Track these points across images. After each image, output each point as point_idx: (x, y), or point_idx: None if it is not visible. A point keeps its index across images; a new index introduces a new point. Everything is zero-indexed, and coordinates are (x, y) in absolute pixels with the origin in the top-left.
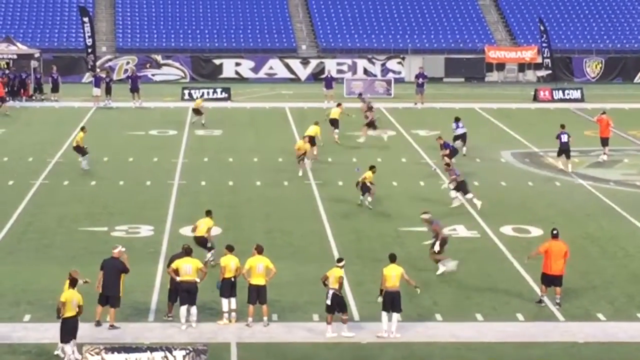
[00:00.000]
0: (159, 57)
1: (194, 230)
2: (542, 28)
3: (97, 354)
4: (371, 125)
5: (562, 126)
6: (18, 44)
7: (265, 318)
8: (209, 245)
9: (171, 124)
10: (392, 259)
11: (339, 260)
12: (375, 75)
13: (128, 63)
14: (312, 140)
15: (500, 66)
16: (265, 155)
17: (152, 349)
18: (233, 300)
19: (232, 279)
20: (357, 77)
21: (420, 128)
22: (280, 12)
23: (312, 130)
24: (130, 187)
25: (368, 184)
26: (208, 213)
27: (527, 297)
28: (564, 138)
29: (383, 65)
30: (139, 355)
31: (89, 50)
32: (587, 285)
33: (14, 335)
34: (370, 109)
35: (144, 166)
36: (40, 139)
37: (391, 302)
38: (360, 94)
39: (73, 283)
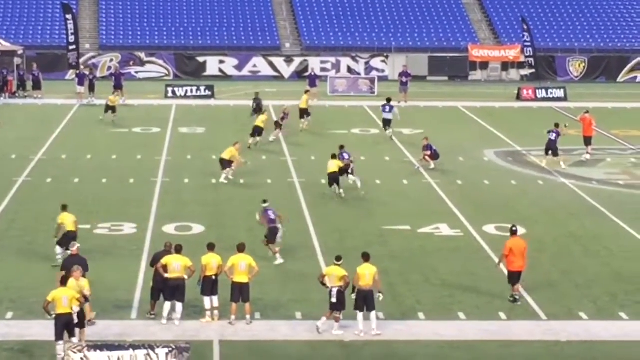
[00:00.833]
0: (142, 55)
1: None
2: (525, 27)
3: (80, 351)
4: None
5: (556, 125)
6: (1, 41)
7: (248, 316)
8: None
9: (154, 121)
10: (366, 258)
11: (338, 258)
12: (359, 74)
13: (112, 60)
14: (258, 130)
15: (484, 65)
16: (248, 153)
17: (134, 346)
18: (215, 298)
19: (214, 277)
20: (340, 75)
21: (403, 127)
22: (264, 10)
23: (260, 119)
24: (113, 184)
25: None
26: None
27: (509, 296)
28: (552, 136)
29: (367, 63)
30: (122, 353)
31: (72, 47)
32: (570, 284)
33: None
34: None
35: (127, 164)
36: (23, 136)
37: (364, 301)
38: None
39: (63, 281)
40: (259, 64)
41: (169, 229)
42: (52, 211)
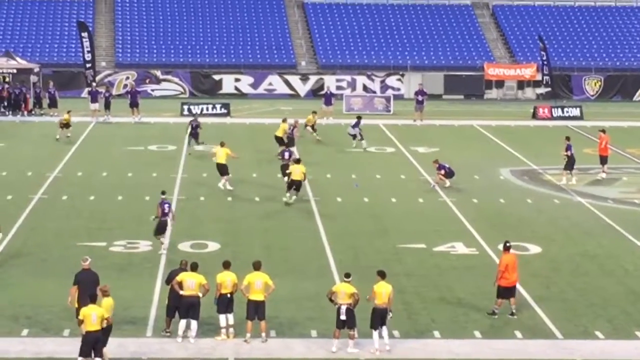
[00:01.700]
0: (158, 73)
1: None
2: (541, 46)
3: None
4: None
5: (567, 138)
6: (18, 59)
7: (263, 334)
8: None
9: (170, 139)
10: (383, 275)
11: (347, 275)
12: (374, 92)
13: (127, 78)
14: (279, 140)
15: (500, 83)
16: (264, 171)
17: None
18: (230, 316)
19: (229, 295)
20: (356, 94)
21: (419, 145)
22: (280, 29)
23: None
24: (129, 202)
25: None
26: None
27: (525, 315)
28: (572, 150)
29: (382, 82)
30: None
31: (88, 65)
32: (586, 303)
33: (11, 349)
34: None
35: (143, 181)
36: (38, 154)
37: (381, 319)
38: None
39: (93, 299)
40: (274, 82)
41: (185, 246)
42: (68, 229)
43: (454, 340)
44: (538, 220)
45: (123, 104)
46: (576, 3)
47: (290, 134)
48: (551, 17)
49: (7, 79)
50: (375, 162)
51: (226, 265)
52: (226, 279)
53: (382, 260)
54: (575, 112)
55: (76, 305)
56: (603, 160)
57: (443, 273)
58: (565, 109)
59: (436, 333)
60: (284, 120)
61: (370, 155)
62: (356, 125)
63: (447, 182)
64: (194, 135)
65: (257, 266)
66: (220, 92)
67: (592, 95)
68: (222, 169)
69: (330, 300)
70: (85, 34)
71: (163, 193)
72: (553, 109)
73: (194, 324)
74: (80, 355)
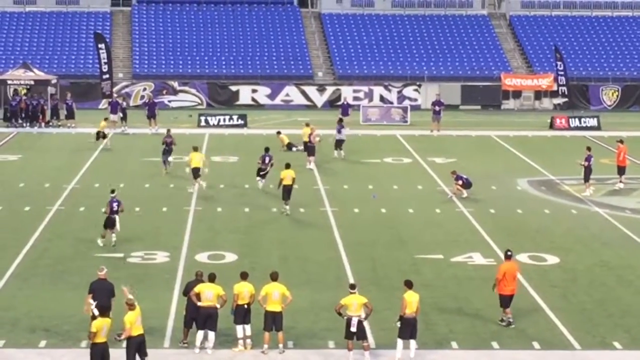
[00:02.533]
0: (175, 84)
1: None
2: (558, 56)
3: None
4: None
5: (588, 148)
6: (35, 70)
7: (280, 345)
8: None
9: (187, 150)
10: (410, 285)
11: (352, 286)
12: (391, 103)
13: (145, 89)
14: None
15: (517, 94)
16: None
17: None
18: (247, 327)
19: (246, 306)
20: (373, 104)
21: (436, 155)
22: (296, 39)
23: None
24: (146, 213)
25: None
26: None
27: (543, 326)
28: (592, 161)
29: (399, 92)
30: None
31: (105, 76)
32: (604, 313)
33: None
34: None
35: (160, 192)
36: (56, 165)
37: (411, 328)
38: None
39: (105, 310)
40: (291, 93)
41: (202, 257)
42: (85, 240)
43: (472, 351)
44: (556, 231)
45: (140, 115)
46: (593, 13)
47: (310, 142)
48: (568, 27)
49: (24, 91)
50: (393, 172)
51: (244, 276)
52: (243, 290)
53: (400, 271)
54: (593, 122)
55: (91, 314)
56: (621, 170)
57: (461, 284)
58: (583, 119)
59: (454, 344)
60: (307, 125)
61: (388, 166)
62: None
63: (465, 193)
64: (168, 152)
65: (274, 277)
66: (237, 103)
67: (610, 105)
68: (196, 173)
69: (338, 313)
70: (102, 46)
71: (112, 192)
72: (570, 119)
73: (211, 335)
74: None
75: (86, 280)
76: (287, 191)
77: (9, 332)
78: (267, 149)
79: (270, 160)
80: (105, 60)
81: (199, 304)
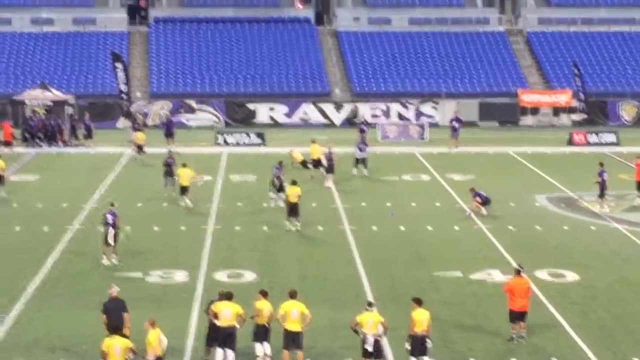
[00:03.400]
0: (193, 102)
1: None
2: (576, 72)
3: None
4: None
5: (601, 164)
6: (53, 90)
7: None
8: None
9: (205, 169)
10: (419, 302)
11: (370, 304)
12: (409, 120)
13: (162, 108)
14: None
15: (535, 110)
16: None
17: None
18: (267, 345)
19: (267, 325)
20: (391, 122)
21: (454, 172)
22: (313, 57)
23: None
24: (164, 232)
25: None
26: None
27: (562, 342)
28: (605, 176)
29: (417, 109)
30: None
31: (122, 95)
32: (623, 329)
33: None
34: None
35: (178, 211)
36: (75, 185)
37: (421, 346)
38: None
39: (117, 330)
40: (309, 110)
41: (221, 276)
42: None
43: None
44: (575, 247)
45: (158, 134)
46: (611, 29)
47: (329, 160)
48: (585, 43)
49: (43, 111)
50: (411, 190)
51: (264, 294)
52: (265, 308)
53: (419, 288)
54: (611, 138)
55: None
56: None
57: (480, 301)
58: (601, 135)
59: None
60: (313, 142)
61: (406, 183)
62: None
63: (484, 210)
64: (169, 173)
65: (293, 295)
66: (255, 121)
67: (628, 121)
68: (185, 190)
69: (355, 331)
70: (119, 65)
71: (112, 205)
72: (589, 135)
73: (230, 354)
74: None
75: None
76: (292, 208)
77: (29, 352)
78: (327, 170)
79: (279, 173)
80: (123, 80)
81: (217, 323)
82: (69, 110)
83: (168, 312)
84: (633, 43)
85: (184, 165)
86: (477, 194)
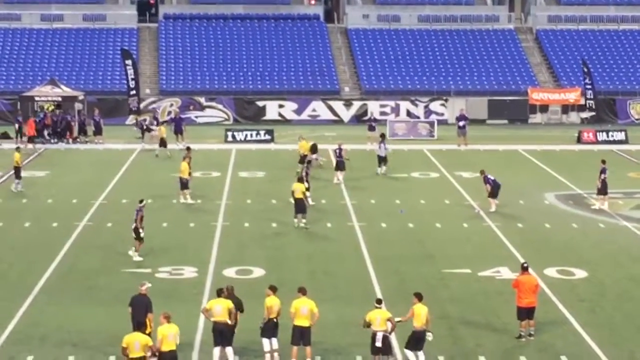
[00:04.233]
0: (202, 99)
1: None
2: (585, 70)
3: None
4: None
5: (603, 161)
6: (62, 87)
7: (308, 359)
8: None
9: (214, 165)
10: (420, 297)
11: (379, 301)
12: (418, 117)
13: (172, 105)
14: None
15: (544, 108)
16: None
17: None
18: (274, 340)
19: (275, 320)
20: (400, 119)
21: (463, 170)
22: (323, 55)
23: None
24: (173, 228)
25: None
26: None
27: (571, 340)
28: (606, 174)
29: (426, 107)
30: None
31: (132, 92)
32: (632, 326)
33: None
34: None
35: (187, 207)
36: (84, 181)
37: (417, 341)
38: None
39: (139, 326)
40: (318, 108)
41: (230, 272)
42: (113, 255)
43: None
44: (583, 245)
45: (167, 131)
46: (620, 27)
47: (339, 157)
48: (595, 41)
49: (51, 107)
50: (420, 187)
51: (274, 290)
52: (274, 304)
53: (427, 285)
54: (621, 136)
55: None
56: None
57: (488, 298)
58: (610, 133)
59: (482, 358)
60: (301, 138)
61: (415, 180)
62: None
63: (493, 207)
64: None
65: (303, 292)
66: (264, 118)
67: (637, 119)
68: (184, 185)
69: (368, 326)
70: (129, 62)
71: (141, 202)
72: (598, 133)
73: (229, 350)
74: None
75: (115, 296)
76: (298, 205)
77: (38, 348)
78: (337, 167)
79: (307, 170)
80: (133, 77)
81: (212, 319)
82: (78, 106)
83: (177, 308)
84: None
85: (184, 159)
86: (487, 179)
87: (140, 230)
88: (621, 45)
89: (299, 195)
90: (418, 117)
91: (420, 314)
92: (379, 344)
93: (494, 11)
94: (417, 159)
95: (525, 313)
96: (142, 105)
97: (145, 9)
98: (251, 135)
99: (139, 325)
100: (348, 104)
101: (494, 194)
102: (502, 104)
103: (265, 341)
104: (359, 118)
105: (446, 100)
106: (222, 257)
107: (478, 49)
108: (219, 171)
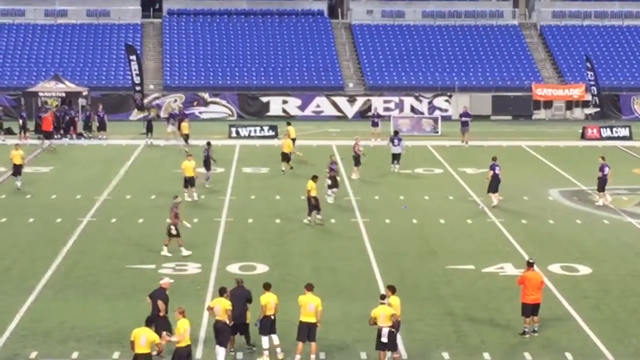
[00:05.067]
0: (206, 95)
1: None
2: (589, 65)
3: None
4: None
5: (602, 158)
6: (66, 82)
7: (313, 356)
8: None
9: (218, 161)
10: (394, 290)
11: (383, 296)
12: (422, 113)
13: (175, 101)
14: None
15: (548, 104)
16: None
17: None
18: (274, 336)
19: (272, 317)
20: (404, 115)
21: (467, 166)
22: (327, 50)
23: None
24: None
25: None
26: None
27: (575, 336)
28: (606, 170)
29: (430, 103)
30: None
31: (136, 88)
32: (636, 323)
33: None
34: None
35: (191, 203)
36: (88, 177)
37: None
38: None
39: (148, 322)
40: (322, 103)
41: (233, 268)
42: (117, 251)
43: None
44: (588, 241)
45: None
46: (624, 22)
47: (355, 152)
48: (599, 37)
49: (55, 103)
50: (423, 183)
51: (267, 287)
52: (270, 301)
53: (431, 281)
54: (624, 132)
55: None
56: None
57: (492, 294)
58: (614, 129)
59: (486, 355)
60: (286, 137)
61: (419, 176)
62: (399, 142)
63: (495, 201)
64: (207, 164)
65: (309, 288)
66: (268, 114)
67: None
68: (189, 182)
69: (375, 323)
70: (133, 57)
71: (176, 197)
72: (602, 129)
73: (221, 350)
74: None
75: (119, 292)
76: (313, 202)
77: (42, 344)
78: (354, 163)
79: (334, 168)
80: (137, 72)
81: (215, 318)
82: (82, 102)
83: (181, 304)
84: None
85: (189, 158)
86: (493, 167)
87: (172, 227)
88: (625, 41)
89: (313, 193)
90: (422, 113)
91: (396, 306)
92: (384, 339)
93: (498, 7)
94: (421, 155)
95: (530, 309)
96: (145, 101)
97: (149, 5)
98: (255, 131)
99: (148, 321)
100: (352, 99)
101: (491, 187)
102: (506, 100)
103: (264, 339)
104: (363, 114)
105: (450, 96)
106: (226, 253)
107: (482, 44)
108: (222, 167)
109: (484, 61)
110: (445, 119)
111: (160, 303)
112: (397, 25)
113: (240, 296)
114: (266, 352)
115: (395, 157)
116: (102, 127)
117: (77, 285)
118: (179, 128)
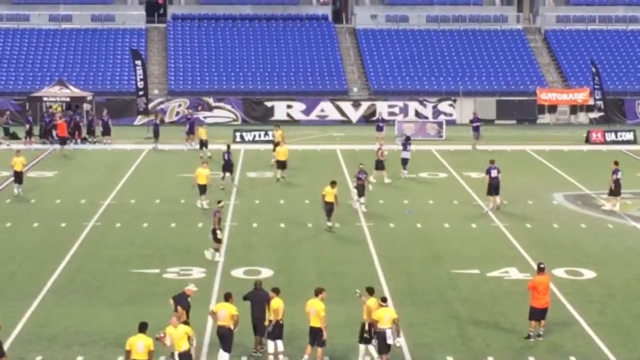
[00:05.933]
0: (210, 100)
1: None
2: (594, 70)
3: None
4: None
5: (616, 163)
6: (71, 87)
7: None
8: None
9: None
10: (372, 292)
11: (384, 299)
12: (426, 118)
13: (180, 106)
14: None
15: (552, 108)
16: (316, 198)
17: None
18: (279, 342)
19: (281, 322)
20: (408, 120)
21: (472, 170)
22: (331, 55)
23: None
24: (182, 229)
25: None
26: None
27: (580, 341)
28: (619, 175)
29: (434, 107)
30: None
31: (141, 93)
32: None
33: None
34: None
35: (195, 208)
36: (92, 182)
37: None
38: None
39: (142, 328)
40: (326, 108)
41: (238, 273)
42: (121, 256)
43: None
44: (592, 245)
45: (175, 131)
46: (629, 27)
47: (379, 158)
48: (604, 42)
49: (59, 108)
50: (428, 187)
51: (277, 292)
52: (279, 305)
53: (436, 286)
54: (629, 136)
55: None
56: None
57: (497, 298)
58: (619, 133)
59: (491, 359)
60: (278, 144)
61: (423, 180)
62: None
63: (491, 204)
64: (226, 167)
65: (315, 293)
66: (273, 118)
67: None
68: (203, 189)
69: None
70: (138, 62)
71: (219, 202)
72: (606, 134)
73: (225, 356)
74: None
75: (123, 296)
76: (329, 208)
77: (46, 348)
78: (376, 168)
79: (365, 176)
80: (141, 77)
81: (218, 323)
82: (87, 107)
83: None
84: None
85: (203, 165)
86: (489, 170)
87: (218, 232)
88: (630, 46)
89: (329, 198)
90: (426, 118)
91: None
92: (390, 341)
93: (502, 11)
94: (426, 160)
95: (540, 313)
96: (150, 106)
97: (153, 10)
98: (259, 135)
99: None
100: (356, 104)
101: (490, 190)
102: (510, 104)
103: (270, 343)
104: (367, 118)
105: (454, 101)
106: (231, 258)
107: (486, 49)
108: (227, 171)
109: (489, 66)
110: (450, 123)
111: (179, 309)
112: (401, 30)
113: (260, 298)
114: (271, 357)
115: (404, 162)
116: (106, 132)
117: (82, 289)
118: (188, 133)
